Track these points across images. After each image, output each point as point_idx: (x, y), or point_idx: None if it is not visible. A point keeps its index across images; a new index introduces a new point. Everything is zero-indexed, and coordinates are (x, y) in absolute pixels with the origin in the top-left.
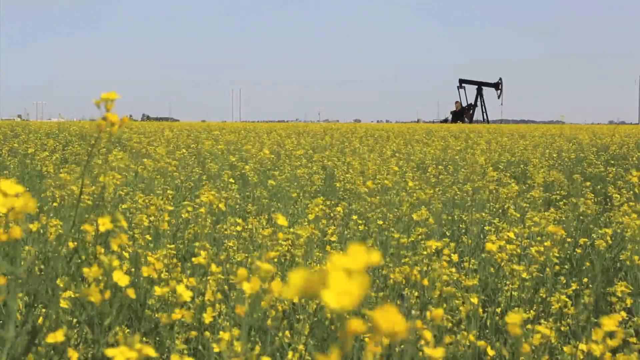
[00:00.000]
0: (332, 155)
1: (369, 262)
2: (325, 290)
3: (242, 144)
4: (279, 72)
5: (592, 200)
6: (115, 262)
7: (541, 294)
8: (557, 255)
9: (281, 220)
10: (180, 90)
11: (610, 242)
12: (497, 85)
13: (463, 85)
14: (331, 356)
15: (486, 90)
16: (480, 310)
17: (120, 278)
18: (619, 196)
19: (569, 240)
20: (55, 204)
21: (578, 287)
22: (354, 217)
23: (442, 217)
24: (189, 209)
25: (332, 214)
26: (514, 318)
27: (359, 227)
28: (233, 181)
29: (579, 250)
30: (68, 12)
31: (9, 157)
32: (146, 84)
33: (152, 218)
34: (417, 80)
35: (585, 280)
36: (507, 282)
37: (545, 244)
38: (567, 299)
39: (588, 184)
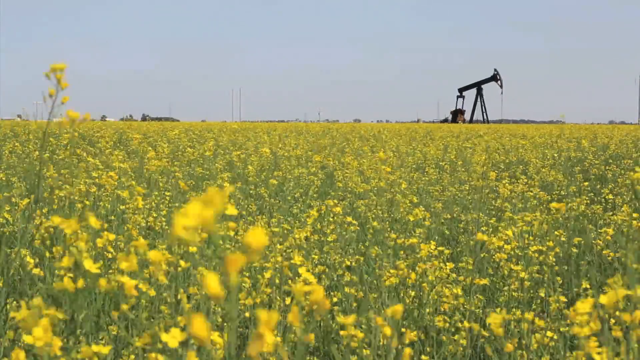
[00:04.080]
0: (329, 155)
1: (222, 193)
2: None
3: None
4: (279, 72)
5: (590, 200)
6: (85, 253)
7: (540, 294)
8: (557, 253)
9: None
10: (180, 90)
11: (608, 238)
12: (495, 78)
13: (463, 94)
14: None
15: (486, 90)
16: (480, 311)
17: (91, 266)
18: (613, 197)
19: (565, 241)
20: (55, 207)
21: (577, 289)
22: (349, 218)
23: (441, 217)
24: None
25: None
26: (495, 318)
27: (353, 227)
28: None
29: (574, 250)
30: (68, 12)
31: (10, 157)
32: (146, 84)
33: (150, 218)
34: (418, 80)
35: (572, 285)
36: (508, 282)
37: (549, 243)
38: (565, 298)
39: (586, 183)
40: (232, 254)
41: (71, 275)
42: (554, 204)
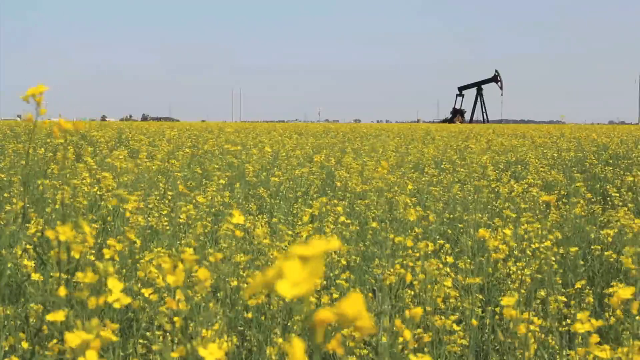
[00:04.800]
0: (330, 155)
1: (326, 249)
2: (280, 281)
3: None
4: (278, 72)
5: (589, 200)
6: (110, 269)
7: (541, 293)
8: (555, 254)
9: (237, 219)
10: (180, 90)
11: (609, 240)
12: (495, 79)
13: (462, 92)
14: (299, 346)
15: (486, 90)
16: (480, 310)
17: (115, 285)
18: (617, 194)
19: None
20: (57, 206)
21: (580, 287)
22: (342, 218)
23: (442, 217)
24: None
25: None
26: (508, 300)
27: (352, 227)
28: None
29: (572, 250)
30: (68, 12)
31: (7, 157)
32: (146, 84)
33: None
34: (417, 80)
35: (579, 283)
36: (508, 282)
37: (546, 243)
38: (565, 299)
39: (579, 184)
40: (322, 312)
41: (67, 280)
42: (544, 197)
